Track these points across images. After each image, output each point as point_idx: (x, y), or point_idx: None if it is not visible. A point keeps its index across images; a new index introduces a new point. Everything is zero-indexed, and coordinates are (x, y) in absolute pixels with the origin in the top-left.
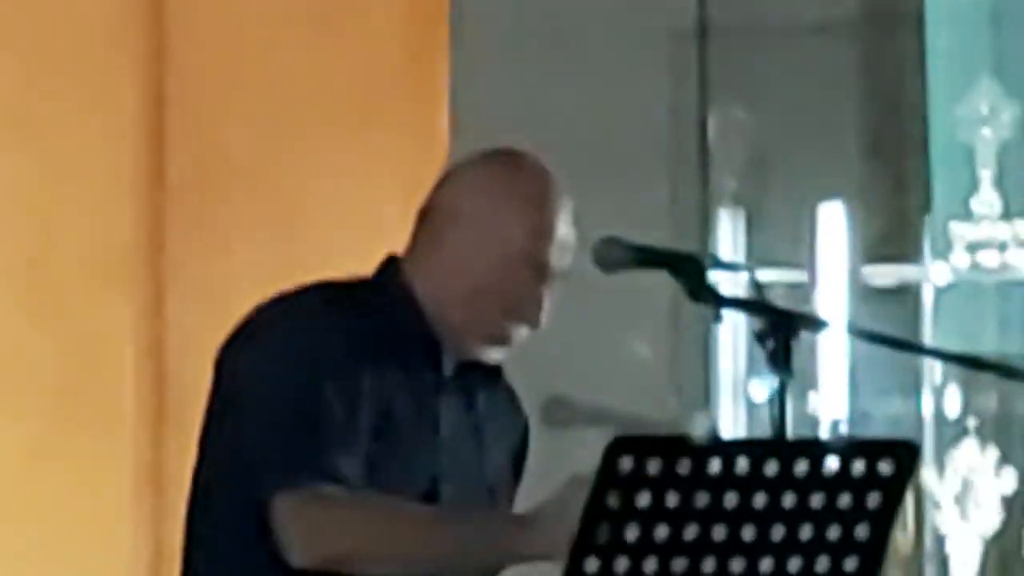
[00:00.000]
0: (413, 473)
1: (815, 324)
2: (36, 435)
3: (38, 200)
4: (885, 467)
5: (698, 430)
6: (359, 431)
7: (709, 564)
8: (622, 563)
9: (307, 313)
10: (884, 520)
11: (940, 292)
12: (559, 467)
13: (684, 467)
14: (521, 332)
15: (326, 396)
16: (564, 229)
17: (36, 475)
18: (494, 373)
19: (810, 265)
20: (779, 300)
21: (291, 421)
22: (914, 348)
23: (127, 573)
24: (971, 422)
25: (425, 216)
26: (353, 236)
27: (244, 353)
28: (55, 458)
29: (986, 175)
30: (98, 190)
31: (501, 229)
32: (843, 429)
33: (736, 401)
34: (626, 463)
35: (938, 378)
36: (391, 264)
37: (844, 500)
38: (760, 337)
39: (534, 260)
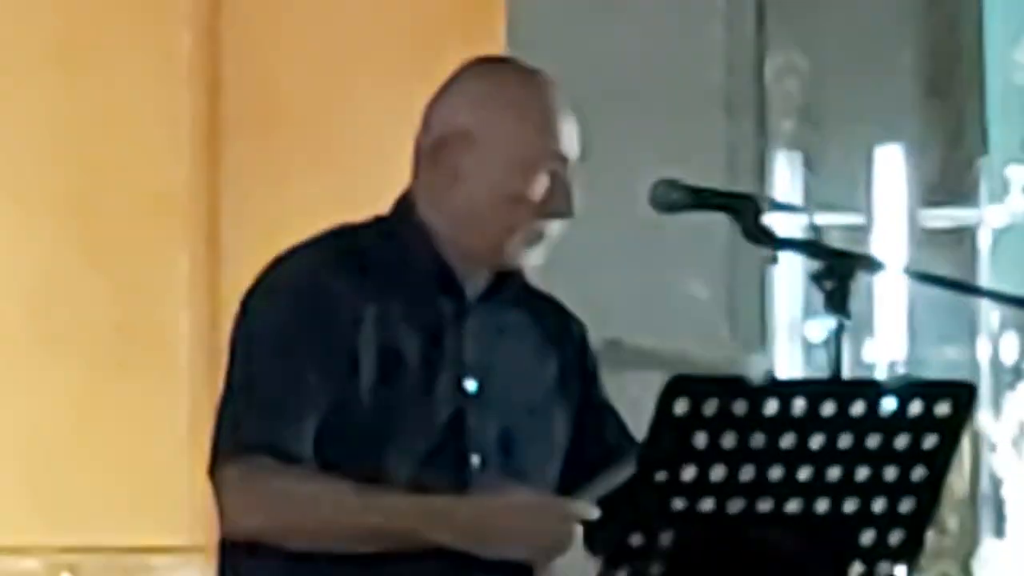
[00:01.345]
0: (434, 404)
1: (872, 265)
2: (92, 375)
3: (93, 140)
4: (942, 408)
5: (755, 372)
6: (346, 390)
7: (765, 505)
8: (679, 503)
9: (307, 270)
10: (940, 462)
11: (997, 235)
12: (619, 410)
13: (740, 408)
14: (555, 227)
15: (299, 363)
16: (566, 117)
17: (92, 415)
18: (522, 287)
19: (867, 208)
20: (836, 243)
21: (255, 389)
22: (971, 290)
23: (182, 514)
24: None
25: (429, 143)
26: (404, 177)
27: (244, 308)
28: (111, 399)
29: None
30: (152, 131)
31: (512, 137)
32: (900, 371)
33: (793, 343)
34: (682, 404)
35: (995, 323)
36: (404, 200)
37: (901, 441)
38: (817, 278)
39: (552, 153)
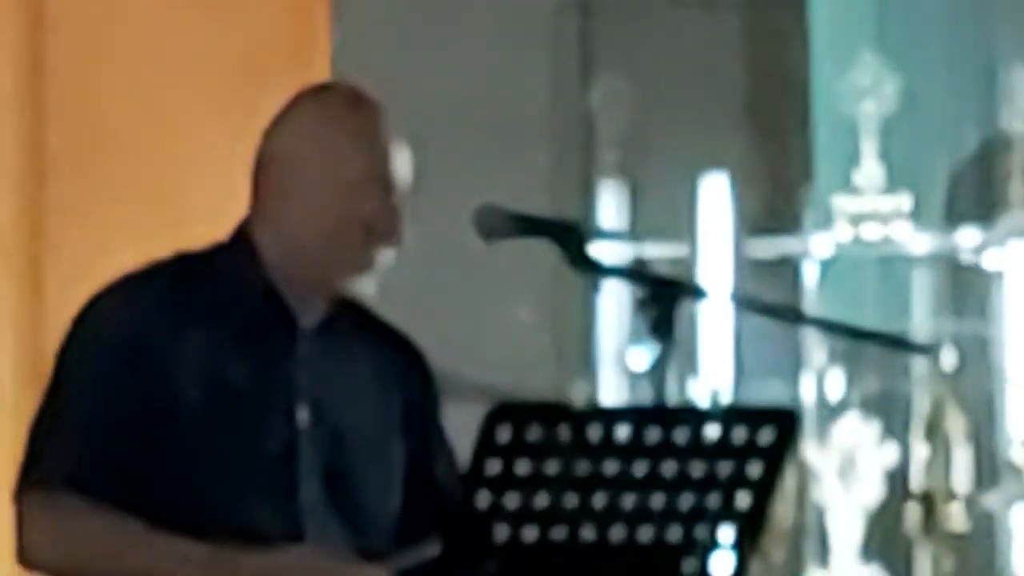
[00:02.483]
0: (263, 435)
1: (696, 292)
2: (13, 405)
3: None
4: (766, 435)
5: (579, 399)
6: (166, 427)
7: (589, 532)
8: (502, 531)
9: (127, 296)
10: (764, 489)
11: (822, 266)
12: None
13: (564, 433)
14: (385, 254)
15: (111, 400)
16: (396, 143)
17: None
18: (366, 319)
19: (692, 237)
20: (662, 273)
21: (66, 421)
22: (797, 317)
23: None
24: (854, 396)
25: (262, 169)
26: (237, 207)
27: (66, 341)
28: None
29: (869, 148)
30: None
31: (339, 160)
32: (723, 400)
33: (618, 371)
34: (505, 430)
35: (821, 358)
36: (241, 226)
37: (725, 468)
38: (642, 305)
39: (377, 177)
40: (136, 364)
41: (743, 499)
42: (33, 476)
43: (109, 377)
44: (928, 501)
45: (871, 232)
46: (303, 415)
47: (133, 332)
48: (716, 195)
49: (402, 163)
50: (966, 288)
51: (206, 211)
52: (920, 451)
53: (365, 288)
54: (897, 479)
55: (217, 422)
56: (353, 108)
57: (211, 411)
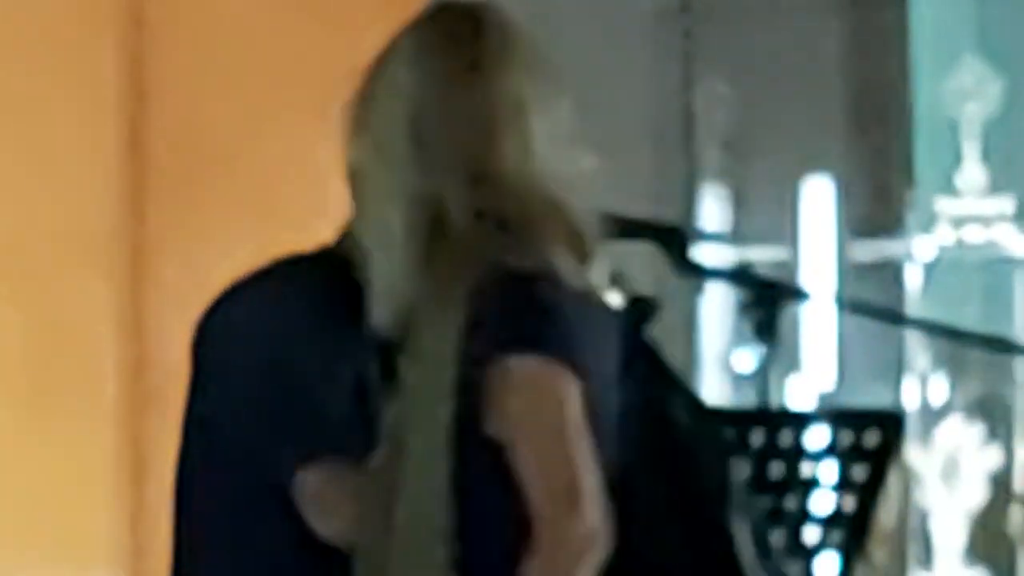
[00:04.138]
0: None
1: (799, 295)
2: (14, 419)
3: (17, 180)
4: (871, 438)
5: None
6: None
7: None
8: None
9: (258, 295)
10: (870, 492)
11: (924, 268)
12: None
13: None
14: None
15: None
16: None
17: (14, 459)
18: None
19: (795, 240)
20: (764, 275)
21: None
22: (900, 319)
23: (103, 551)
24: (957, 399)
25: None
26: (331, 216)
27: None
28: (34, 442)
29: (970, 150)
30: (78, 171)
31: None
32: (831, 402)
33: (720, 373)
34: None
35: (923, 360)
36: (346, 229)
37: (830, 471)
38: (745, 308)
39: None
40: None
41: (848, 502)
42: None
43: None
44: None
45: (973, 235)
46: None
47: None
48: (818, 198)
49: None
50: None
51: (306, 215)
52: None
53: None
54: (1000, 482)
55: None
56: None
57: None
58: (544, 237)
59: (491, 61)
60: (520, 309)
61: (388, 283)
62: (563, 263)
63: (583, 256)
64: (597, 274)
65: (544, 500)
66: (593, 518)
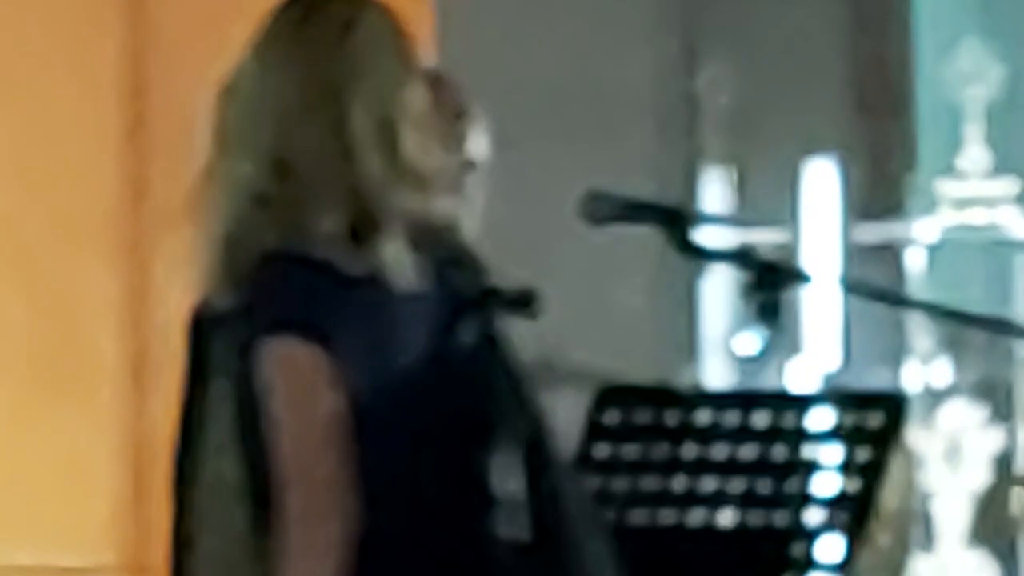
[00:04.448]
0: None
1: (802, 277)
2: (15, 404)
3: (16, 160)
4: (874, 420)
5: (684, 384)
6: None
7: (697, 516)
8: (610, 515)
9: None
10: (873, 474)
11: (928, 251)
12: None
13: (672, 418)
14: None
15: None
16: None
17: (14, 440)
18: None
19: (797, 223)
20: (766, 258)
21: None
22: (902, 301)
23: (104, 535)
24: (959, 381)
25: None
26: None
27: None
28: (34, 423)
29: (973, 132)
30: (77, 151)
31: None
32: (834, 384)
33: (722, 356)
34: (614, 414)
35: (925, 342)
36: None
37: (833, 453)
38: (747, 290)
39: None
40: None
41: (851, 484)
42: None
43: None
44: None
45: (976, 217)
46: None
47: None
48: (821, 180)
49: (479, 144)
50: None
51: None
52: None
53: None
54: (1003, 464)
55: None
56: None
57: None
58: (318, 220)
59: (312, 45)
60: (278, 291)
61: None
62: (332, 247)
63: (373, 237)
64: (392, 253)
65: (280, 479)
66: (323, 499)
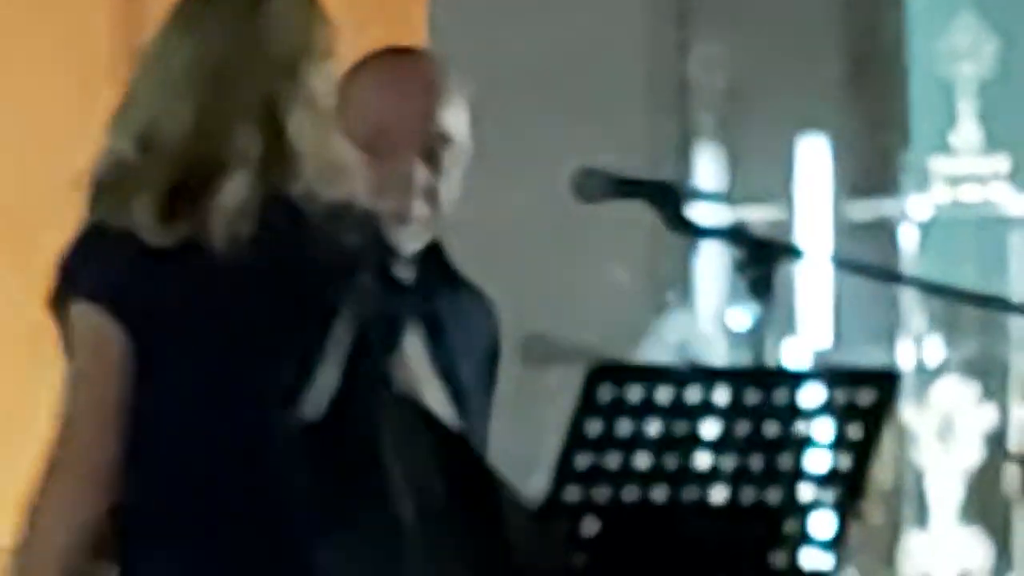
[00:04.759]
0: None
1: (794, 253)
2: (10, 380)
3: (12, 142)
4: (866, 396)
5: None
6: None
7: (690, 493)
8: (603, 492)
9: None
10: (865, 451)
11: (921, 228)
12: (538, 405)
13: (664, 395)
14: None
15: None
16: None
17: (10, 420)
18: (449, 275)
19: (790, 200)
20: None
21: None
22: (895, 278)
23: None
24: (952, 358)
25: None
26: None
27: None
28: (30, 403)
29: (966, 110)
30: (73, 132)
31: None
32: (827, 360)
33: (715, 332)
34: (606, 391)
35: (918, 319)
36: None
37: (825, 430)
38: (740, 267)
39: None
40: None
41: (843, 461)
42: None
43: None
44: None
45: (969, 194)
46: None
47: None
48: (813, 157)
49: (457, 119)
50: None
51: None
52: (1019, 413)
53: (404, 241)
54: (996, 441)
55: None
56: (394, 61)
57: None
58: (134, 191)
59: (213, 20)
60: (85, 258)
61: None
62: (142, 219)
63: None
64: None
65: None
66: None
